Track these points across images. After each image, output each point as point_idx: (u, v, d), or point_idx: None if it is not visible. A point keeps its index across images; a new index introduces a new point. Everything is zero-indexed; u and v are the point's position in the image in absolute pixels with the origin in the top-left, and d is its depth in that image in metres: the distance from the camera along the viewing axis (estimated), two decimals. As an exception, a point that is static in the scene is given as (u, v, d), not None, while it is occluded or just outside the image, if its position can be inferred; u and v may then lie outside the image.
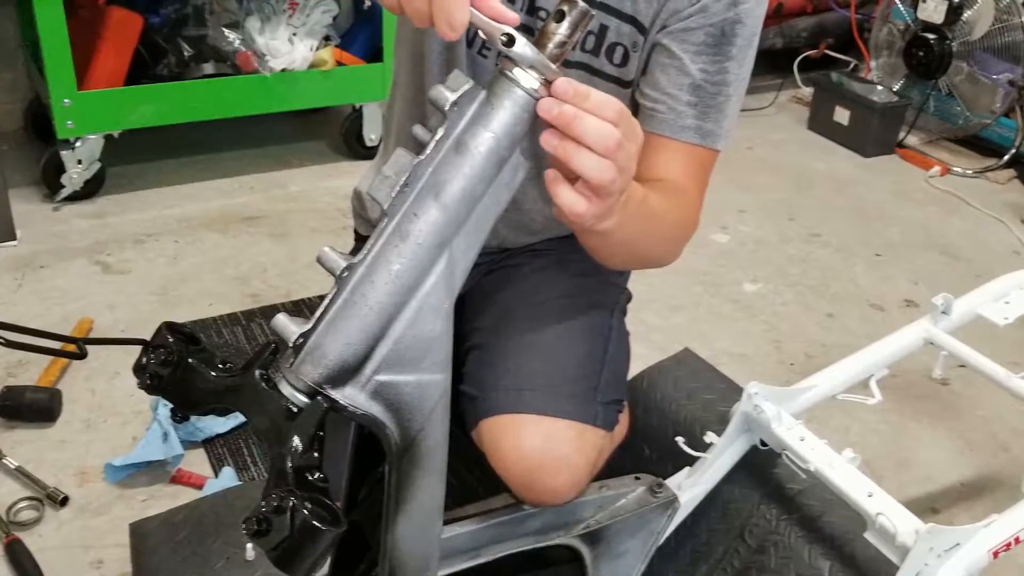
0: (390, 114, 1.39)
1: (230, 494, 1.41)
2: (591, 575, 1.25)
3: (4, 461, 1.70)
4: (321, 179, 2.92)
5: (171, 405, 0.81)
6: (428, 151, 0.73)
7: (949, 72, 3.28)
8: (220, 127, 2.87)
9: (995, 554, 1.14)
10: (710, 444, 1.31)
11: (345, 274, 0.73)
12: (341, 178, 2.91)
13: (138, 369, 0.79)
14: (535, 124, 0.74)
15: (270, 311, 2.21)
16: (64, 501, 1.63)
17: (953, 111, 3.36)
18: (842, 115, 3.43)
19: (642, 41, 1.12)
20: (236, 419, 1.77)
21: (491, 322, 1.27)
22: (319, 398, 0.73)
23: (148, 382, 0.78)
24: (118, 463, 1.68)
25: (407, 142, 0.76)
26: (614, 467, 1.28)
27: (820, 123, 3.53)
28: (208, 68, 2.76)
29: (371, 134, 2.99)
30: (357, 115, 2.98)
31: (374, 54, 2.93)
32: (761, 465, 1.34)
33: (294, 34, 2.78)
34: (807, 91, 3.70)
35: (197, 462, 1.75)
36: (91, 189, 2.66)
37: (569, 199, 0.77)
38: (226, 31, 2.76)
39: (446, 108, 0.73)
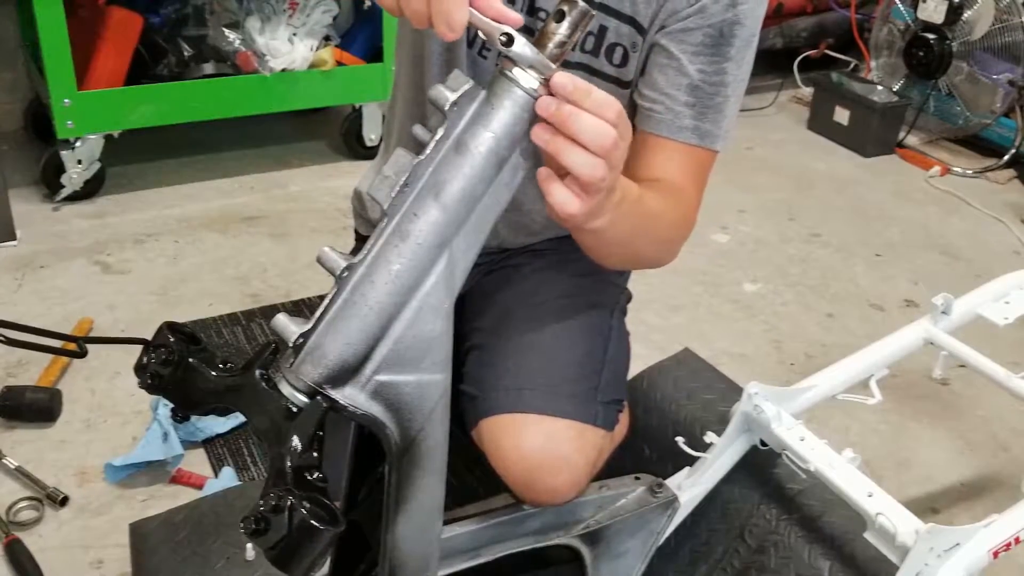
0: (391, 114, 1.39)
1: (230, 494, 1.41)
2: (591, 575, 1.25)
3: (4, 461, 1.70)
4: (321, 179, 2.92)
5: (171, 405, 0.81)
6: (428, 151, 0.73)
7: (949, 72, 3.28)
8: (220, 127, 2.87)
9: (995, 554, 1.14)
10: (710, 444, 1.31)
11: (345, 274, 0.73)
12: (341, 178, 2.91)
13: (139, 369, 0.79)
14: (535, 124, 0.74)
15: (270, 311, 2.21)
16: (64, 501, 1.63)
17: (953, 111, 3.36)
18: (842, 115, 3.43)
19: (641, 42, 1.12)
20: (236, 419, 1.77)
21: (491, 322, 1.27)
22: (319, 398, 0.73)
23: (149, 382, 0.78)
24: (118, 463, 1.68)
25: (407, 142, 0.76)
26: (614, 467, 1.28)
27: (820, 123, 3.53)
28: (208, 68, 2.76)
29: (371, 134, 3.00)
30: (357, 115, 2.98)
31: (374, 54, 2.93)
32: (761, 465, 1.34)
33: (294, 34, 2.78)
34: (807, 91, 3.70)
35: (197, 462, 1.75)
36: (91, 189, 2.67)
37: (561, 197, 0.76)
38: (226, 31, 2.76)
39: (446, 108, 0.73)
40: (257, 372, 0.75)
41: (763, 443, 1.30)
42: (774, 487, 1.33)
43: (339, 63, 2.84)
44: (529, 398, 1.15)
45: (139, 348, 0.79)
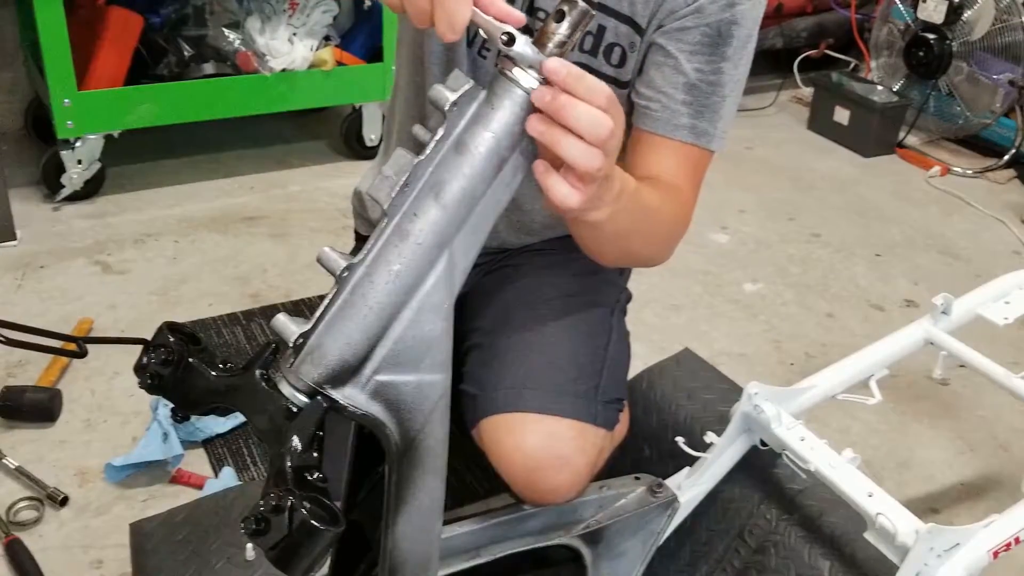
0: (391, 114, 1.39)
1: (230, 494, 1.41)
2: (591, 575, 1.25)
3: (4, 461, 1.70)
4: (321, 179, 2.92)
5: (171, 405, 0.81)
6: (428, 151, 0.73)
7: (949, 72, 3.28)
8: (220, 127, 2.87)
9: (995, 554, 1.14)
10: (710, 444, 1.31)
11: (345, 274, 0.73)
12: (341, 178, 2.91)
13: (139, 369, 0.79)
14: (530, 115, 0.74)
15: (270, 311, 2.21)
16: (64, 501, 1.63)
17: (953, 111, 3.36)
18: (842, 115, 3.43)
19: (639, 41, 1.12)
20: (236, 419, 1.77)
21: (491, 322, 1.27)
22: (318, 398, 0.73)
23: (149, 382, 0.78)
24: (118, 463, 1.68)
25: (407, 142, 0.77)
26: (614, 467, 1.28)
27: (820, 123, 3.53)
28: (208, 68, 2.76)
29: (371, 134, 3.00)
30: (357, 115, 2.98)
31: (374, 54, 2.93)
32: (761, 465, 1.34)
33: (294, 34, 2.78)
34: (807, 91, 3.70)
35: (197, 462, 1.75)
36: (91, 189, 2.67)
37: (561, 191, 0.75)
38: (226, 31, 2.76)
39: (446, 108, 0.73)
40: (257, 372, 0.75)
41: (763, 443, 1.30)
42: (774, 487, 1.33)
43: (339, 63, 2.84)
44: (530, 397, 1.15)
45: (139, 348, 0.79)
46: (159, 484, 1.69)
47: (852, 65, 3.86)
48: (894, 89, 3.48)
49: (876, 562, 1.18)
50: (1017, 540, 1.16)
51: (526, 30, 0.71)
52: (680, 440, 1.32)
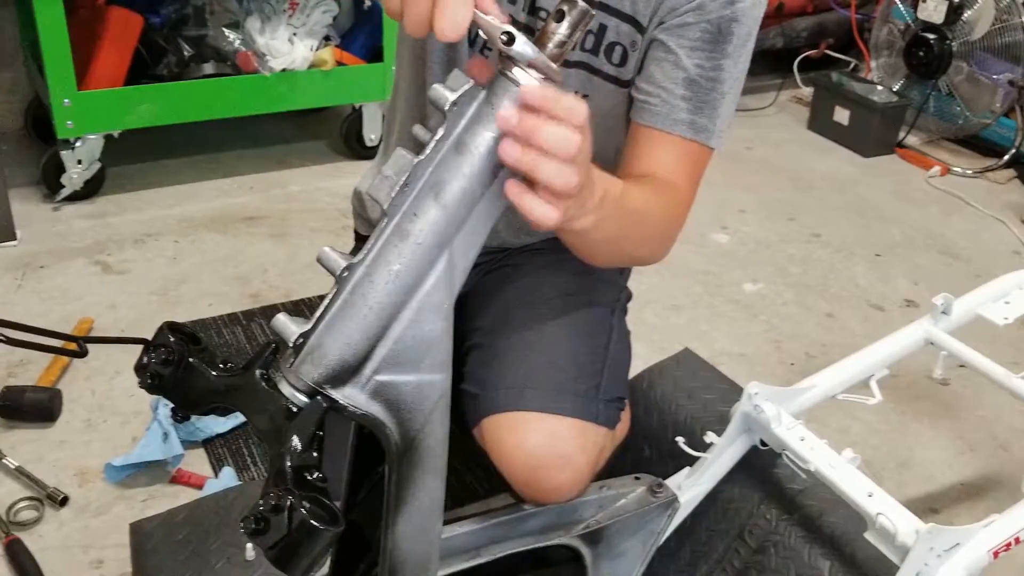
0: (391, 114, 1.39)
1: (230, 494, 1.41)
2: (591, 575, 1.25)
3: (4, 461, 1.70)
4: (321, 179, 2.92)
5: (171, 405, 0.81)
6: (428, 151, 0.73)
7: (949, 72, 3.28)
8: (220, 127, 2.87)
9: (995, 554, 1.14)
10: (710, 444, 1.31)
11: (345, 274, 0.73)
12: (341, 178, 2.91)
13: (139, 368, 0.79)
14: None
15: (270, 311, 2.21)
16: (64, 501, 1.63)
17: (953, 111, 3.36)
18: (842, 115, 3.43)
19: (640, 40, 1.12)
20: (236, 419, 1.77)
21: (492, 321, 1.27)
22: (318, 398, 0.73)
23: (149, 381, 0.78)
24: (118, 463, 1.68)
25: (407, 142, 0.76)
26: (614, 467, 1.28)
27: (820, 123, 3.53)
28: (208, 68, 2.76)
29: (371, 134, 3.00)
30: (357, 115, 2.98)
31: (374, 54, 2.93)
32: (761, 465, 1.34)
33: (294, 34, 2.78)
34: (807, 91, 3.70)
35: (197, 462, 1.75)
36: (91, 189, 2.67)
37: (539, 211, 0.74)
38: (226, 31, 2.76)
39: (446, 108, 0.73)
40: (257, 372, 0.75)
41: (763, 443, 1.30)
42: (774, 487, 1.33)
43: (339, 63, 2.84)
44: (531, 397, 1.15)
45: (140, 348, 0.79)
46: (159, 484, 1.69)
47: (852, 65, 3.86)
48: (894, 89, 3.48)
49: (876, 562, 1.18)
50: (1017, 540, 1.16)
51: (528, 30, 0.72)
52: (680, 440, 1.32)
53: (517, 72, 0.71)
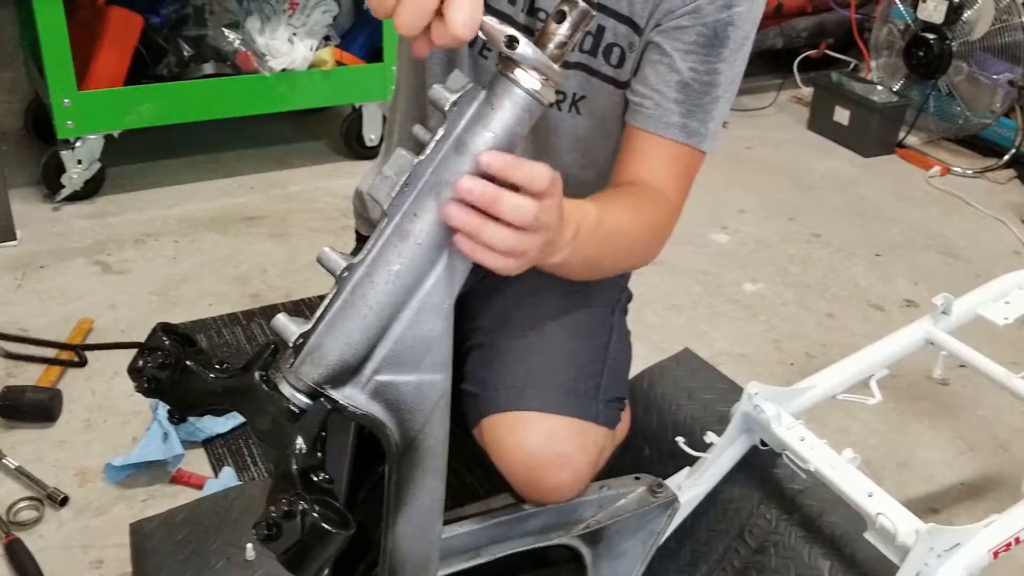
0: (392, 114, 1.39)
1: (230, 494, 1.41)
2: (591, 575, 1.25)
3: (4, 461, 1.70)
4: (321, 179, 2.92)
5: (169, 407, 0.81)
6: (428, 151, 0.73)
7: (949, 72, 3.28)
8: (220, 127, 2.87)
9: (995, 554, 1.14)
10: (710, 444, 1.31)
11: (345, 274, 0.73)
12: (341, 178, 2.91)
13: (134, 372, 0.78)
14: (536, 124, 0.74)
15: (270, 311, 2.21)
16: (64, 501, 1.63)
17: (953, 111, 3.36)
18: (842, 115, 3.43)
19: (637, 41, 1.12)
20: (236, 419, 1.77)
21: (492, 321, 1.27)
22: (322, 400, 0.73)
23: (146, 385, 0.78)
24: (118, 463, 1.68)
25: (408, 142, 0.76)
26: (614, 467, 1.28)
27: (820, 123, 3.53)
28: (208, 68, 2.76)
29: (371, 134, 2.99)
30: (357, 115, 2.98)
31: (374, 54, 2.93)
32: (761, 465, 1.34)
33: (294, 34, 2.78)
34: (807, 91, 3.69)
35: (197, 462, 1.75)
36: (91, 189, 2.67)
37: (496, 264, 0.76)
38: (226, 31, 2.76)
39: (446, 108, 0.73)
40: (257, 374, 0.75)
41: (763, 443, 1.30)
42: (774, 487, 1.33)
43: (339, 63, 2.84)
44: (531, 396, 1.15)
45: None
46: (159, 484, 1.69)
47: (852, 65, 3.86)
48: (894, 89, 3.48)
49: (876, 562, 1.18)
50: (1017, 540, 1.16)
51: (527, 30, 0.71)
52: (680, 440, 1.32)
53: (518, 73, 0.71)
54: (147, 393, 0.79)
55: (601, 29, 1.12)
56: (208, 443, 1.79)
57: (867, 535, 1.15)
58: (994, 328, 1.51)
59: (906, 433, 1.97)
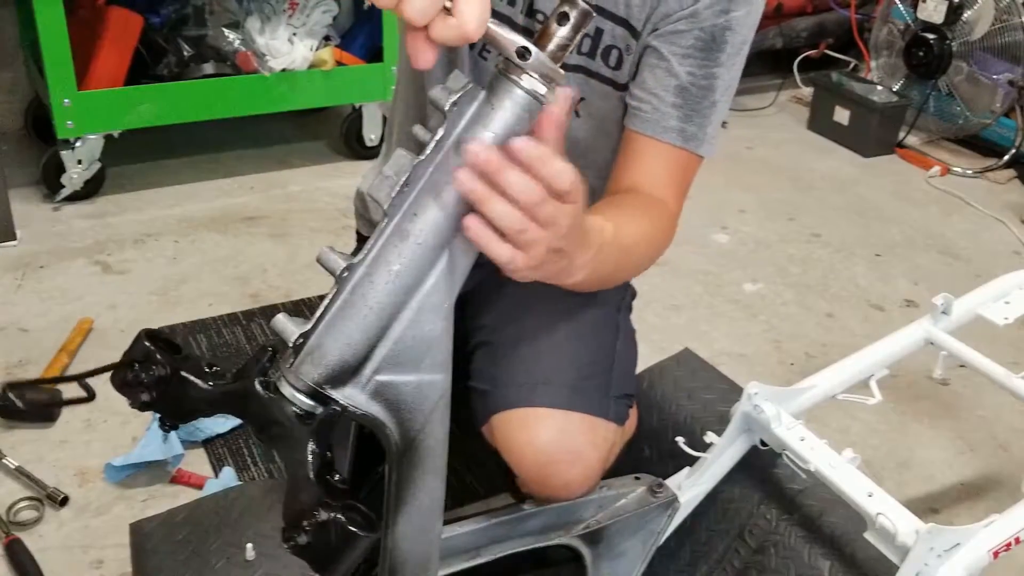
0: (392, 114, 1.39)
1: (230, 494, 1.41)
2: (591, 575, 1.25)
3: (4, 461, 1.70)
4: (321, 179, 2.92)
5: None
6: (428, 151, 0.73)
7: (949, 72, 3.28)
8: (220, 127, 2.87)
9: (995, 554, 1.14)
10: (710, 444, 1.31)
11: (345, 274, 0.73)
12: (341, 178, 2.91)
13: (127, 387, 0.78)
14: (535, 124, 0.74)
15: (270, 311, 2.21)
16: (64, 501, 1.63)
17: (953, 111, 3.36)
18: (842, 115, 3.43)
19: (634, 44, 1.12)
20: (235, 419, 1.77)
21: (498, 319, 1.27)
22: (332, 405, 0.73)
23: (144, 400, 0.77)
24: (118, 463, 1.68)
25: (408, 142, 0.76)
26: (614, 467, 1.28)
27: (820, 123, 3.53)
28: (208, 68, 2.76)
29: (371, 134, 3.00)
30: (357, 115, 2.98)
31: (374, 54, 2.93)
32: (761, 465, 1.34)
33: (294, 34, 2.78)
34: (807, 91, 3.69)
35: (197, 462, 1.75)
36: (91, 189, 2.67)
37: (501, 252, 0.74)
38: (226, 31, 2.76)
39: (446, 108, 0.73)
40: (257, 381, 0.74)
41: (763, 443, 1.30)
42: (774, 487, 1.33)
43: (339, 63, 2.84)
44: (542, 393, 1.15)
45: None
46: (159, 484, 1.69)
47: (852, 65, 3.86)
48: (894, 89, 3.48)
49: (876, 562, 1.18)
50: (1017, 540, 1.16)
51: (526, 31, 0.71)
52: (680, 440, 1.32)
53: (519, 73, 0.71)
54: (143, 408, 0.78)
55: (599, 31, 1.12)
56: (208, 443, 1.79)
57: (867, 535, 1.15)
58: (994, 328, 1.51)
59: (906, 433, 1.97)
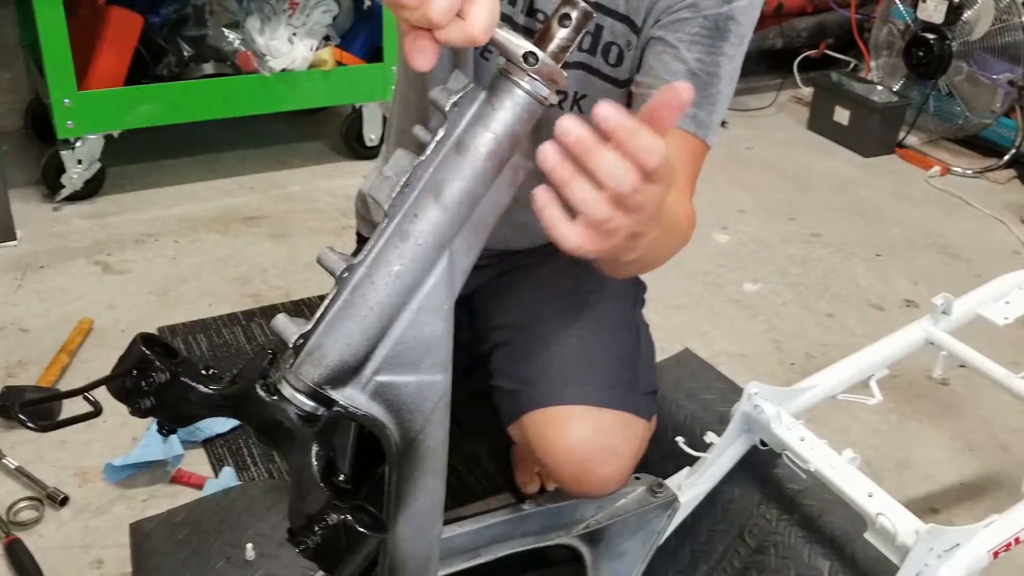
0: (392, 115, 1.39)
1: (230, 494, 1.41)
2: (591, 575, 1.25)
3: (4, 461, 1.70)
4: (321, 179, 2.92)
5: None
6: (428, 152, 0.73)
7: (949, 72, 3.28)
8: (220, 127, 2.87)
9: (995, 554, 1.14)
10: (710, 444, 1.31)
11: (345, 275, 0.73)
12: (341, 178, 2.91)
13: (125, 394, 0.78)
14: (537, 124, 0.74)
15: (270, 311, 2.21)
16: (64, 501, 1.63)
17: (953, 111, 3.36)
18: (842, 115, 3.43)
19: (635, 40, 1.12)
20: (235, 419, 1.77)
21: (516, 318, 1.26)
22: (336, 408, 0.73)
23: (146, 406, 0.77)
24: (118, 463, 1.68)
25: (408, 143, 0.76)
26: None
27: (820, 123, 3.53)
28: (208, 68, 2.76)
29: (371, 134, 2.99)
30: (357, 115, 2.98)
31: (374, 54, 2.93)
32: (761, 465, 1.34)
33: (294, 34, 2.78)
34: (807, 91, 3.70)
35: (197, 462, 1.75)
36: (91, 189, 2.67)
37: (561, 232, 0.67)
38: (226, 31, 2.76)
39: (446, 109, 0.72)
40: (258, 385, 0.74)
41: (763, 443, 1.30)
42: (774, 487, 1.33)
43: (339, 63, 2.84)
44: (575, 390, 1.15)
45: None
46: (159, 484, 1.69)
47: (852, 65, 3.86)
48: (894, 89, 3.48)
49: (876, 562, 1.18)
50: (1017, 540, 1.16)
51: (526, 31, 0.71)
52: (680, 440, 1.32)
53: (520, 74, 0.71)
54: (143, 415, 0.78)
55: (599, 28, 1.12)
56: (208, 443, 1.79)
57: (867, 535, 1.15)
58: (994, 328, 1.51)
59: (906, 433, 1.97)
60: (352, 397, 0.74)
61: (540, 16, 1.11)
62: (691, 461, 1.32)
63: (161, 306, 2.23)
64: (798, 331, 2.30)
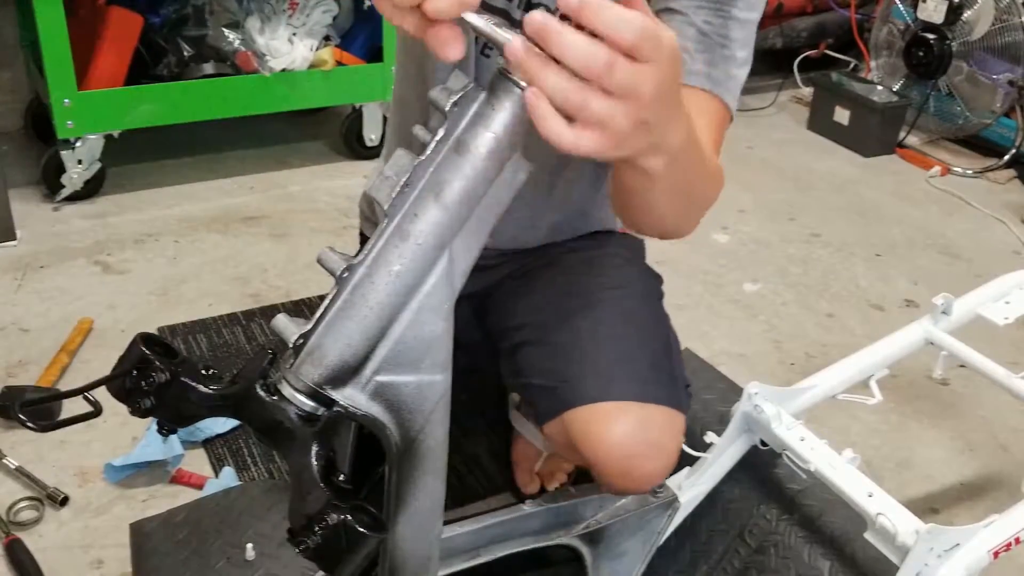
0: (392, 115, 1.39)
1: (230, 494, 1.41)
2: (591, 575, 1.25)
3: (4, 461, 1.70)
4: (321, 179, 2.92)
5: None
6: (428, 151, 0.73)
7: (949, 72, 3.28)
8: (220, 127, 2.87)
9: (995, 554, 1.14)
10: (710, 444, 1.31)
11: (345, 275, 0.73)
12: (341, 178, 2.91)
13: (125, 394, 0.78)
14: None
15: (270, 311, 2.21)
16: (64, 501, 1.63)
17: (953, 111, 3.36)
18: (842, 115, 3.43)
19: None
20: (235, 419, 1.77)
21: (540, 316, 1.26)
22: (336, 408, 0.73)
23: (146, 406, 0.78)
24: (118, 463, 1.68)
25: (408, 143, 0.76)
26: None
27: (820, 123, 3.53)
28: (208, 68, 2.76)
29: (371, 134, 2.99)
30: (357, 115, 2.98)
31: (374, 54, 2.93)
32: (761, 465, 1.34)
33: (294, 34, 2.78)
34: (807, 91, 3.70)
35: (197, 462, 1.75)
36: (91, 189, 2.67)
37: (552, 128, 0.63)
38: (226, 31, 2.76)
39: (446, 108, 0.73)
40: (258, 385, 0.74)
41: (763, 443, 1.30)
42: (774, 487, 1.33)
43: (339, 63, 2.84)
44: (619, 386, 1.14)
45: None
46: (159, 484, 1.69)
47: (852, 65, 3.87)
48: (894, 89, 3.48)
49: (876, 562, 1.18)
50: (1017, 540, 1.16)
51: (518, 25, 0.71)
52: (680, 440, 1.32)
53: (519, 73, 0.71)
54: (144, 415, 0.78)
55: None
56: (208, 443, 1.79)
57: (867, 535, 1.15)
58: (994, 328, 1.51)
59: (906, 433, 1.97)
60: (352, 397, 0.74)
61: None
62: (691, 461, 1.32)
63: (161, 306, 2.23)
64: (798, 331, 2.30)
